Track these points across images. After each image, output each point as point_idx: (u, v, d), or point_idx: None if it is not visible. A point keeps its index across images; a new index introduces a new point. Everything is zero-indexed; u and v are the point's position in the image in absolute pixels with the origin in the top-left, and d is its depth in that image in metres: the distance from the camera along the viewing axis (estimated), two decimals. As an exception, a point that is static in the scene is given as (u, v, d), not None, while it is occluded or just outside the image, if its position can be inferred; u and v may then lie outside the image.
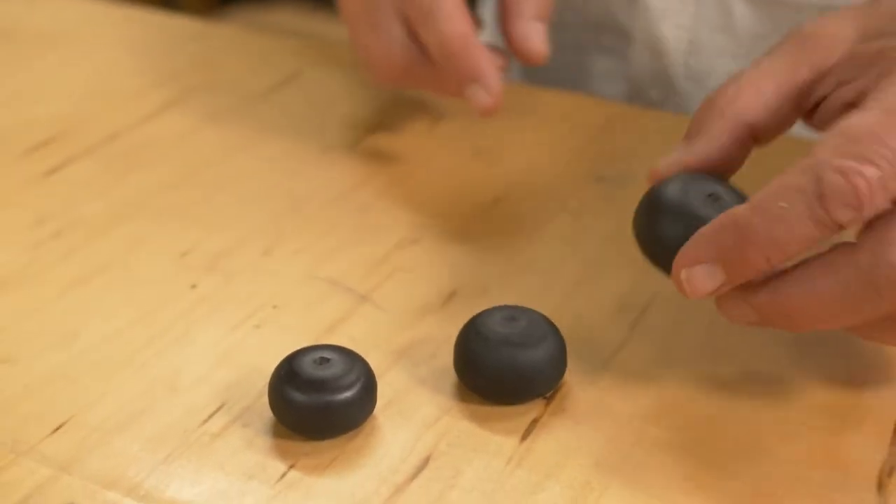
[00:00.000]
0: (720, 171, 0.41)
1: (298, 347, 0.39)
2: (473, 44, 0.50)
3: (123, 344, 0.42)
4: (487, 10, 0.72)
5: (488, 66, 0.49)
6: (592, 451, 0.38)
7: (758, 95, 0.41)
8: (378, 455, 0.37)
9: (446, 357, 0.41)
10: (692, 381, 0.41)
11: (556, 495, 0.36)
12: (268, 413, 0.39)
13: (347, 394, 0.37)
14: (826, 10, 0.43)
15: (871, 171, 0.34)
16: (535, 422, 0.39)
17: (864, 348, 0.42)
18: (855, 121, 0.36)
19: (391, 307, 0.45)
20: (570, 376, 0.41)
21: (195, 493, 0.36)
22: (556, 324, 0.42)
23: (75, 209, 0.50)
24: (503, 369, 0.39)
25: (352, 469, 0.37)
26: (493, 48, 0.52)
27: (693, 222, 0.38)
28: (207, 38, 0.67)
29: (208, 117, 0.59)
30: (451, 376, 0.41)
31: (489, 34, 0.74)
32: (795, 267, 0.37)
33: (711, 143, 0.41)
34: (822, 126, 0.41)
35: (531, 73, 0.70)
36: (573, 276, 0.47)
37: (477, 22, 0.52)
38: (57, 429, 0.38)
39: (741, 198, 0.39)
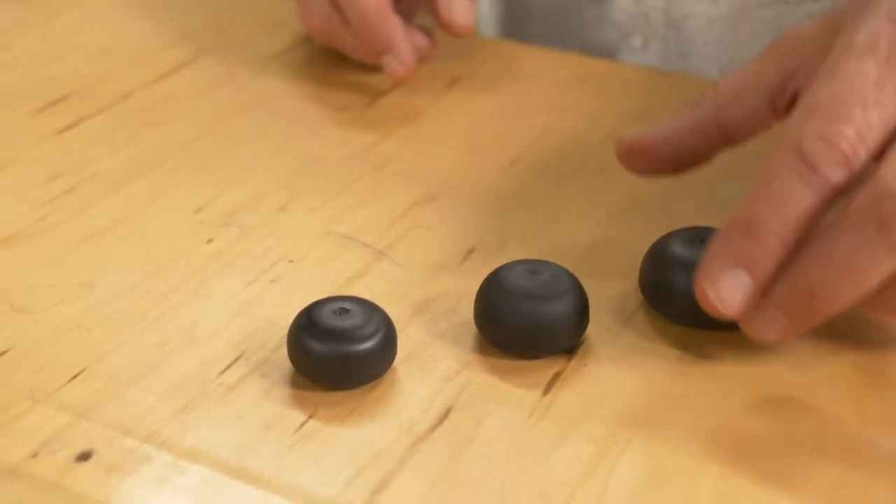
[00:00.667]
0: (677, 155, 0.43)
1: (315, 300, 0.38)
2: (388, 17, 0.55)
3: (139, 297, 0.42)
4: None
5: (401, 39, 0.55)
6: (616, 404, 0.37)
7: (733, 96, 0.43)
8: (398, 406, 0.37)
9: (466, 312, 0.41)
10: (717, 337, 0.40)
11: (579, 447, 0.36)
12: (286, 364, 0.38)
13: (367, 344, 0.37)
14: None
15: (846, 128, 0.36)
16: (557, 375, 0.38)
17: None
18: (812, 94, 0.37)
19: (409, 263, 0.44)
20: (593, 332, 0.40)
21: (213, 441, 0.35)
22: (585, 275, 0.41)
23: (89, 165, 0.50)
24: (524, 322, 0.38)
25: (371, 419, 0.36)
26: (420, 27, 0.58)
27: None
28: (221, 1, 0.67)
29: (222, 77, 0.58)
30: (471, 331, 0.40)
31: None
32: (805, 246, 0.36)
33: (673, 125, 0.43)
34: None
35: (524, 24, 0.70)
36: (593, 233, 0.46)
37: None
38: (74, 377, 0.38)
39: None
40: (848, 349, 0.40)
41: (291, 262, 0.44)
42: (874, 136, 0.36)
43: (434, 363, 0.39)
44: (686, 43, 0.64)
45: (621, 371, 0.39)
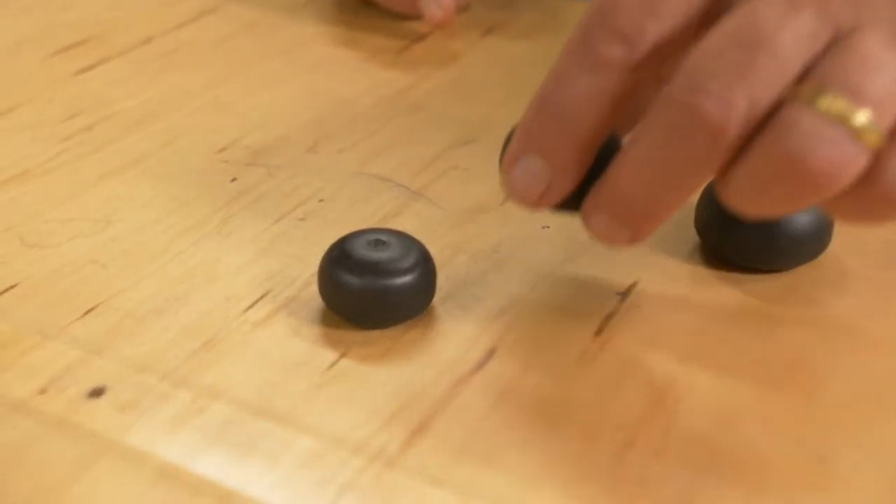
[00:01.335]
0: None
1: (348, 238, 0.36)
2: None
3: (158, 233, 0.39)
4: None
5: None
6: (674, 347, 0.34)
7: None
8: (438, 346, 0.34)
9: (508, 252, 0.38)
10: (779, 279, 0.37)
11: (635, 391, 0.32)
12: (316, 302, 0.35)
13: (405, 278, 0.34)
14: None
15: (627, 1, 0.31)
16: (609, 317, 0.35)
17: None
18: None
19: (447, 203, 0.41)
20: (647, 273, 0.37)
21: (236, 379, 0.32)
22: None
23: (108, 106, 0.47)
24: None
25: (409, 359, 0.33)
26: None
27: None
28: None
29: (246, 24, 0.55)
30: (515, 271, 0.37)
31: None
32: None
33: None
34: None
35: None
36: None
37: None
38: (87, 312, 0.35)
39: None
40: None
41: (321, 200, 0.41)
42: (672, 10, 0.30)
43: (476, 302, 0.36)
44: None
45: (678, 313, 0.36)
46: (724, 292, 0.37)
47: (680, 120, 0.29)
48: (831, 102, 0.28)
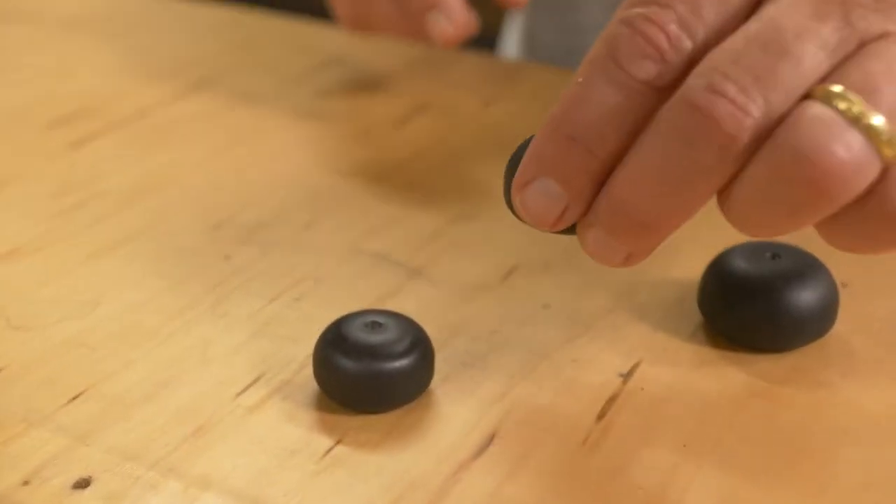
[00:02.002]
0: None
1: (344, 318, 0.35)
2: None
3: (149, 313, 0.38)
4: None
5: None
6: (679, 432, 0.33)
7: None
8: (436, 432, 0.33)
9: (508, 332, 0.37)
10: (784, 360, 0.36)
11: (640, 478, 0.31)
12: (311, 386, 0.34)
13: (402, 362, 0.33)
14: None
15: (661, 13, 0.29)
16: (612, 400, 0.34)
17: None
18: None
19: (445, 282, 0.40)
20: (649, 353, 0.36)
21: (229, 468, 0.31)
22: (630, 300, 0.38)
23: (100, 181, 0.46)
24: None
25: (407, 445, 0.32)
26: None
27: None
28: (242, 23, 0.64)
29: (242, 97, 0.55)
30: (514, 352, 0.36)
31: None
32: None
33: None
34: None
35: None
36: (644, 253, 0.42)
37: None
38: (74, 398, 0.34)
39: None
40: (936, 374, 0.36)
41: (317, 280, 0.40)
42: (705, 26, 0.29)
43: (475, 385, 0.35)
44: None
45: (682, 396, 0.35)
46: (728, 373, 0.36)
47: (690, 123, 0.27)
48: (850, 103, 0.27)
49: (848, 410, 0.34)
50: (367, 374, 0.33)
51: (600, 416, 0.34)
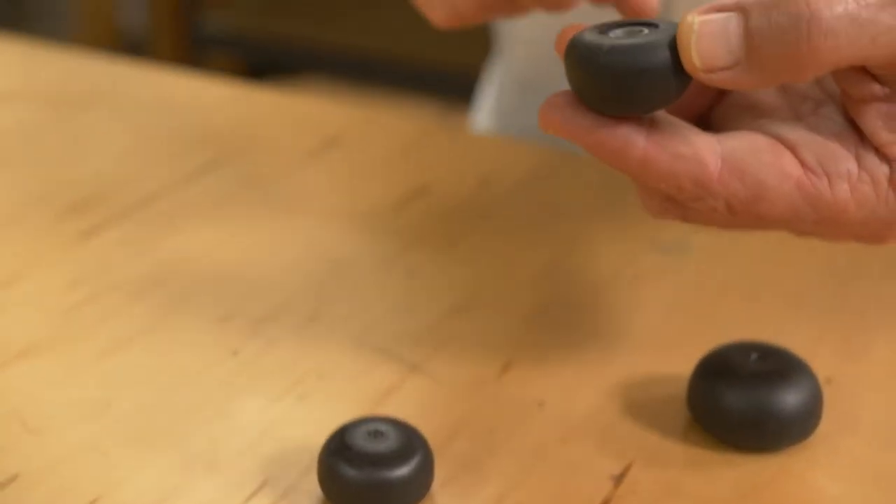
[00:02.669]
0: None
1: (346, 419, 0.36)
2: None
3: (160, 414, 0.39)
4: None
5: None
6: (669, 536, 0.35)
7: None
8: (436, 538, 0.34)
9: (505, 432, 0.39)
10: (775, 460, 0.38)
11: (631, 585, 0.33)
12: (316, 491, 0.36)
13: (404, 470, 0.34)
14: None
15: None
16: None
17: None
18: None
19: (444, 378, 0.42)
20: (640, 453, 0.38)
21: (237, 577, 0.33)
22: (622, 398, 0.39)
23: (110, 273, 0.48)
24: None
25: (408, 553, 0.34)
26: None
27: None
28: (246, 102, 0.66)
29: (247, 181, 0.56)
30: (511, 452, 0.38)
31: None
32: None
33: None
34: None
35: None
36: (634, 348, 0.44)
37: None
38: (88, 505, 0.35)
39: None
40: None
41: (321, 375, 0.42)
42: None
43: (474, 487, 0.36)
44: None
45: (674, 499, 0.36)
46: (718, 475, 0.37)
47: None
48: None
49: (832, 513, 0.36)
50: (371, 483, 0.34)
51: (593, 520, 0.35)
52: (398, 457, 0.34)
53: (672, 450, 0.38)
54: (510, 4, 0.44)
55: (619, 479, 0.37)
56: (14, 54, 0.70)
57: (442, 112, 2.09)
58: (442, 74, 2.03)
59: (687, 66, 0.32)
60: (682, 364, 0.42)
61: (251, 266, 0.49)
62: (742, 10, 0.32)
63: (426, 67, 1.99)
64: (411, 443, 0.35)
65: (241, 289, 0.47)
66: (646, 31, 0.33)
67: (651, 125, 0.33)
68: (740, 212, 0.34)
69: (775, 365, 0.38)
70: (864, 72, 0.33)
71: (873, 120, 0.33)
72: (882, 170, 0.34)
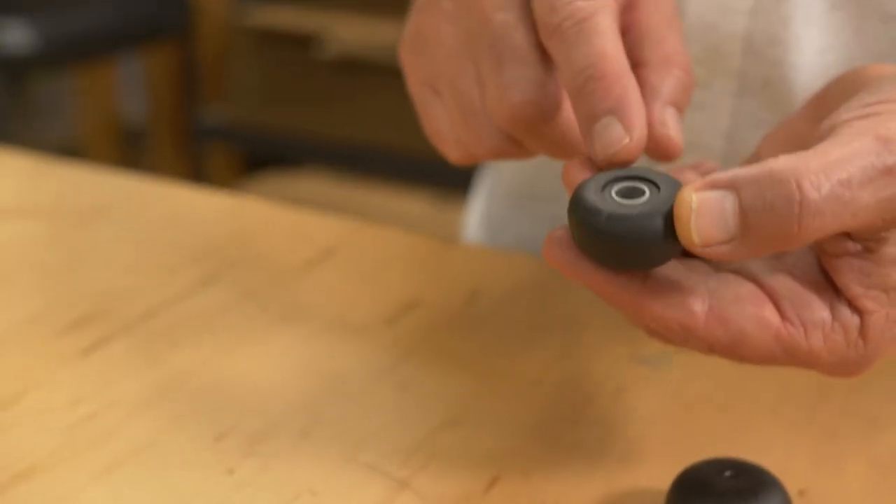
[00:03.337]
0: None
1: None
2: (625, 68, 0.39)
3: (158, 534, 0.41)
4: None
5: (637, 100, 0.39)
6: None
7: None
8: None
9: (491, 549, 0.40)
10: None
11: None
12: None
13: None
14: None
15: None
16: None
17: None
18: None
19: (432, 494, 0.43)
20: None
21: None
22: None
23: (110, 390, 0.50)
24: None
25: None
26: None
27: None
28: (243, 213, 0.68)
29: (242, 295, 0.58)
30: (496, 570, 0.39)
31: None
32: None
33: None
34: None
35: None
36: (616, 461, 0.45)
37: None
38: None
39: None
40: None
41: (314, 493, 0.43)
42: None
43: None
44: None
45: None
46: (695, 590, 0.39)
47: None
48: None
49: None
50: None
51: None
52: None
53: (651, 565, 0.40)
54: (521, 151, 0.45)
55: None
56: (14, 168, 0.73)
57: (437, 202, 2.12)
58: (438, 166, 2.07)
59: (685, 242, 0.35)
60: (660, 478, 0.43)
61: (247, 381, 0.51)
62: (736, 189, 0.34)
63: (423, 159, 2.02)
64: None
65: (236, 406, 0.49)
66: (646, 191, 0.36)
67: (646, 274, 0.36)
68: (720, 353, 0.37)
69: (748, 481, 0.40)
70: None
71: (846, 274, 0.36)
72: (853, 321, 0.36)
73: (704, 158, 0.43)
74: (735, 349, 0.37)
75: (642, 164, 0.38)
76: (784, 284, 0.37)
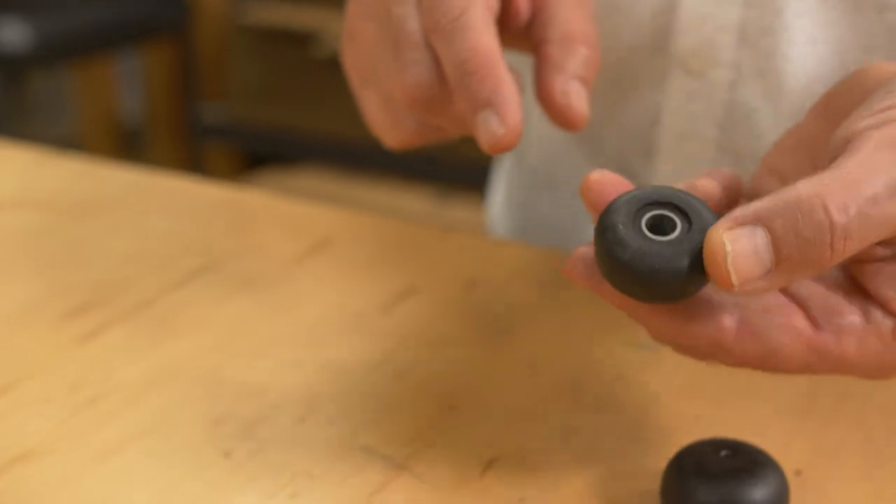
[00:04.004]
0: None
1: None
2: (498, 61, 0.42)
3: (156, 516, 0.41)
4: None
5: (509, 89, 0.41)
6: None
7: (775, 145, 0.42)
8: None
9: (488, 530, 0.40)
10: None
11: None
12: (305, 590, 0.37)
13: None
14: None
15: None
16: None
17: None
18: None
19: (429, 477, 0.44)
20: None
21: None
22: (602, 492, 0.41)
23: (109, 376, 0.50)
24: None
25: None
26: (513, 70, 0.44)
27: None
28: (240, 205, 0.68)
29: (242, 283, 0.59)
30: (493, 550, 0.39)
31: None
32: None
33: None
34: None
35: (538, 232, 0.71)
36: (613, 444, 0.45)
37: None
38: None
39: None
40: None
41: (312, 477, 0.44)
42: None
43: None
44: None
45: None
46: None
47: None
48: None
49: None
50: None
51: None
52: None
53: (647, 546, 0.40)
54: (438, 132, 0.48)
55: (595, 576, 0.38)
56: (14, 160, 0.73)
57: (437, 198, 2.12)
58: (437, 162, 2.07)
59: (722, 284, 0.34)
60: (657, 461, 0.43)
61: (245, 368, 0.51)
62: (764, 222, 0.34)
63: (422, 155, 2.02)
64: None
65: (233, 392, 0.49)
66: (677, 224, 0.35)
67: None
68: (752, 366, 0.37)
69: (744, 461, 0.40)
70: None
71: (877, 278, 0.36)
72: (887, 323, 0.36)
73: (718, 167, 0.44)
74: (768, 361, 0.36)
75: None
76: (812, 291, 0.37)
